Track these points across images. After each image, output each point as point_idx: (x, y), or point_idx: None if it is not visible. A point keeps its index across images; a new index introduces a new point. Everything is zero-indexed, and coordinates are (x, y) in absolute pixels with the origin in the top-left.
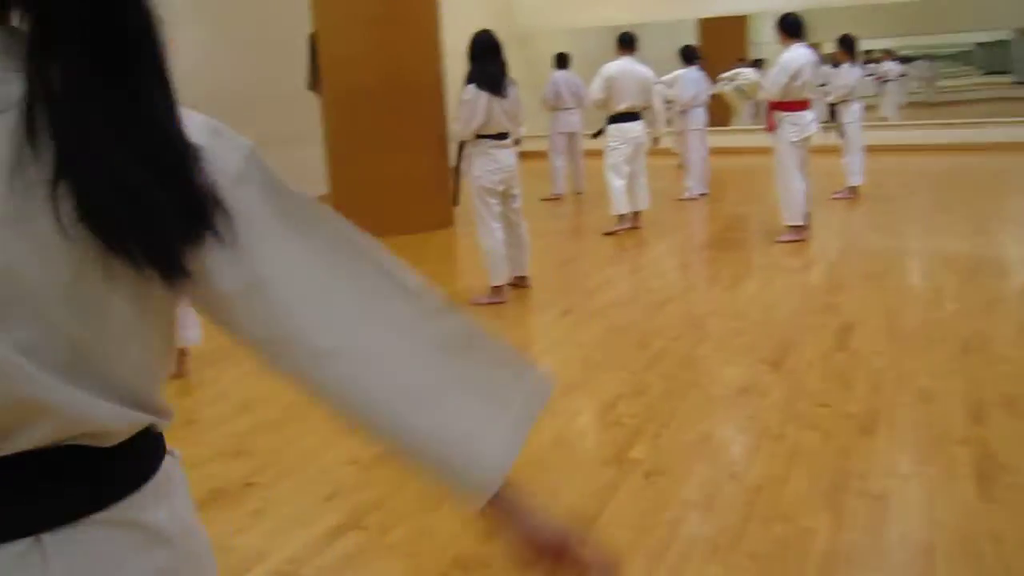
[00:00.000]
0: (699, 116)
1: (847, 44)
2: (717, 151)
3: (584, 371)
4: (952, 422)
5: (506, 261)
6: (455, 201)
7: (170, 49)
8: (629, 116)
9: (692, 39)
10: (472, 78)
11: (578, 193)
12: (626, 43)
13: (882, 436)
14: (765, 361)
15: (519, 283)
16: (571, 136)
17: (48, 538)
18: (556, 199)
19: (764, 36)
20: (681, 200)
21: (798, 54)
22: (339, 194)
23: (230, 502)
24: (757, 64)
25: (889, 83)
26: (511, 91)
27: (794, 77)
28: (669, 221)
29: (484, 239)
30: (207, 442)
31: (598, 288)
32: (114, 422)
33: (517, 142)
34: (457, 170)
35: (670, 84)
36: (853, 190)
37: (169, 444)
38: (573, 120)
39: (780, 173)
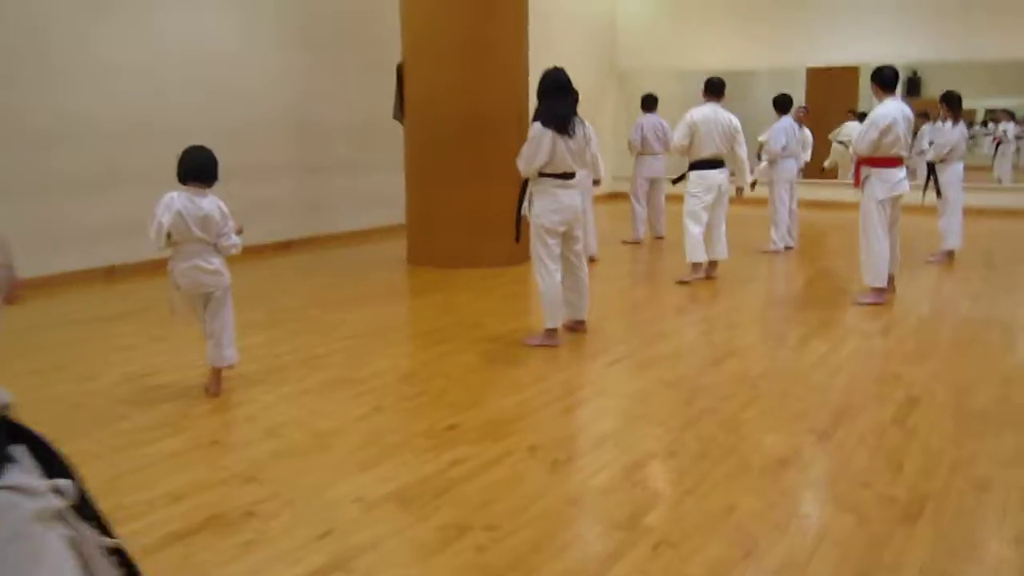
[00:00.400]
0: (790, 167)
1: (950, 101)
2: (815, 204)
3: (620, 424)
4: (1007, 517)
5: (563, 304)
6: (516, 238)
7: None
8: (712, 163)
9: (800, 89)
10: (538, 116)
11: (658, 238)
12: (713, 89)
13: (924, 526)
14: (813, 431)
15: (576, 327)
16: (654, 181)
17: None
18: (636, 243)
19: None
20: (765, 252)
21: (890, 108)
22: (414, 224)
23: (225, 530)
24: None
25: (1004, 144)
26: (579, 130)
27: (884, 133)
28: (747, 273)
29: (540, 280)
30: (223, 465)
31: (657, 338)
32: None
33: (597, 182)
34: (519, 208)
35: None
36: (949, 254)
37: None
38: (656, 166)
39: (864, 232)
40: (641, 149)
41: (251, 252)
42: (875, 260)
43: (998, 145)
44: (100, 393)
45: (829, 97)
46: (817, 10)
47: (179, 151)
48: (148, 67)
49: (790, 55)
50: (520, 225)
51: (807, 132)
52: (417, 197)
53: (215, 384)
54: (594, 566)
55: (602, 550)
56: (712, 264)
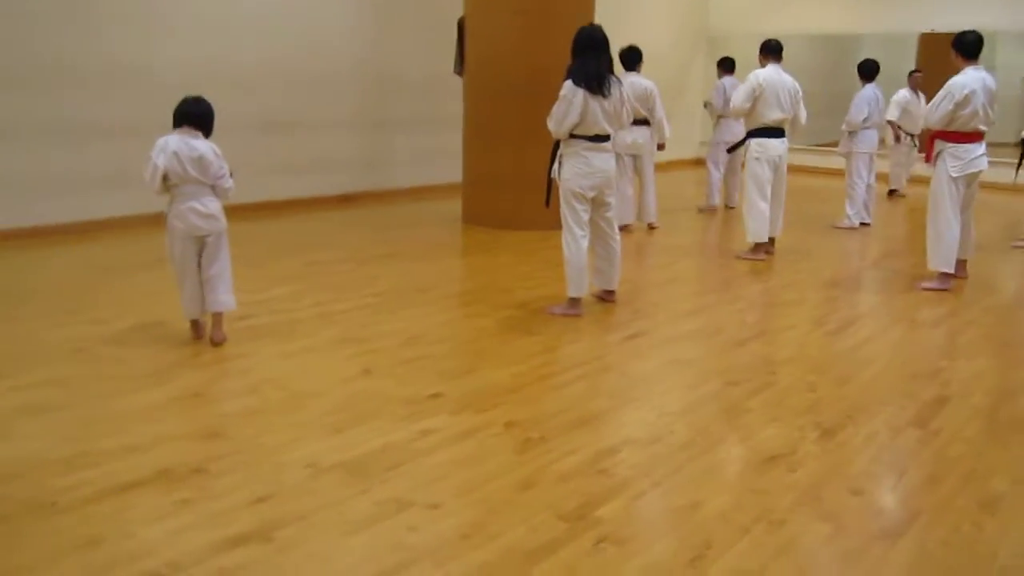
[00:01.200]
0: (870, 139)
1: None
2: (914, 179)
3: (611, 405)
4: (1008, 543)
5: (588, 272)
6: (546, 203)
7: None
8: (774, 131)
9: (911, 57)
10: (570, 74)
11: (730, 207)
12: (771, 51)
13: (905, 545)
14: (819, 426)
15: (606, 297)
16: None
17: None
18: (711, 211)
19: (993, 58)
20: (836, 228)
21: (969, 78)
22: (470, 182)
23: (168, 486)
24: None
25: None
26: (615, 90)
27: (961, 105)
28: (811, 249)
29: (566, 246)
30: (193, 418)
31: (687, 315)
32: None
33: (661, 146)
34: (549, 171)
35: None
36: None
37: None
38: (737, 130)
39: (932, 212)
40: (721, 111)
41: (309, 204)
42: (943, 243)
43: None
44: (105, 338)
45: (944, 66)
46: None
47: (244, 102)
48: (214, 17)
49: (901, 19)
50: (551, 189)
51: (922, 99)
52: (474, 155)
53: (217, 330)
54: (519, 559)
55: (536, 542)
56: (770, 240)
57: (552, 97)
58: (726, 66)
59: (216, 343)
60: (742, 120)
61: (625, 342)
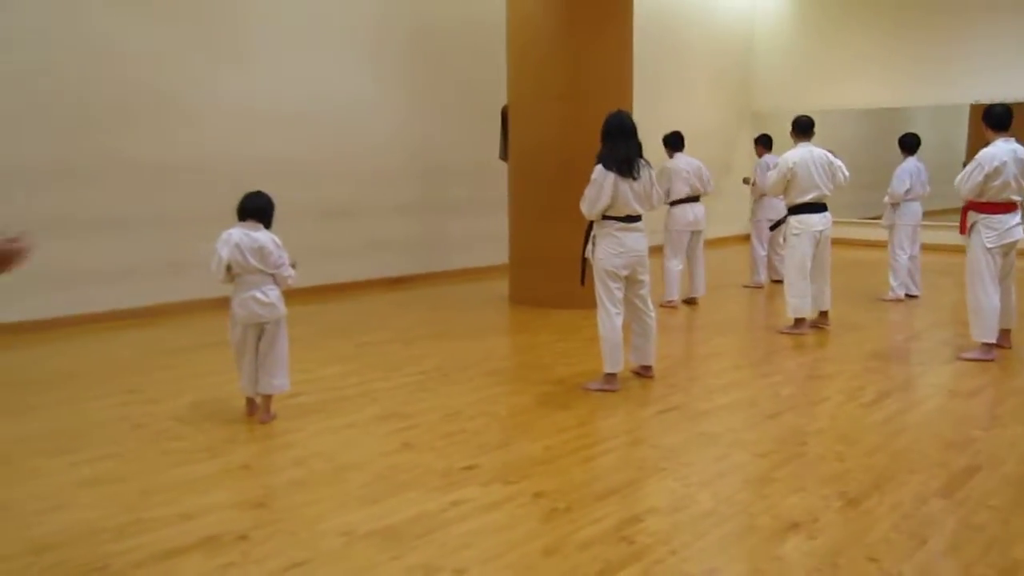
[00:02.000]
0: (913, 211)
1: None
2: (951, 249)
3: (639, 476)
4: None
5: (623, 349)
6: (581, 282)
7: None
8: (814, 207)
9: (963, 127)
10: (601, 159)
11: (776, 281)
12: (801, 129)
13: None
14: (843, 496)
15: (643, 372)
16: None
17: None
18: (757, 287)
19: None
20: (882, 300)
21: (999, 150)
22: (516, 263)
23: (214, 552)
24: None
25: None
26: (644, 172)
27: (991, 176)
28: (854, 322)
29: (600, 323)
30: (241, 489)
31: (723, 389)
32: None
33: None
34: (584, 251)
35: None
36: None
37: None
38: (779, 206)
39: (970, 283)
40: (763, 190)
41: (364, 286)
42: (983, 314)
43: None
44: (162, 415)
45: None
46: (984, 40)
47: (305, 194)
48: (281, 111)
49: (945, 92)
50: (584, 268)
51: None
52: (519, 236)
53: (265, 412)
54: None
55: None
56: (823, 315)
57: (587, 179)
58: (764, 142)
59: (263, 422)
60: (783, 197)
61: (658, 416)
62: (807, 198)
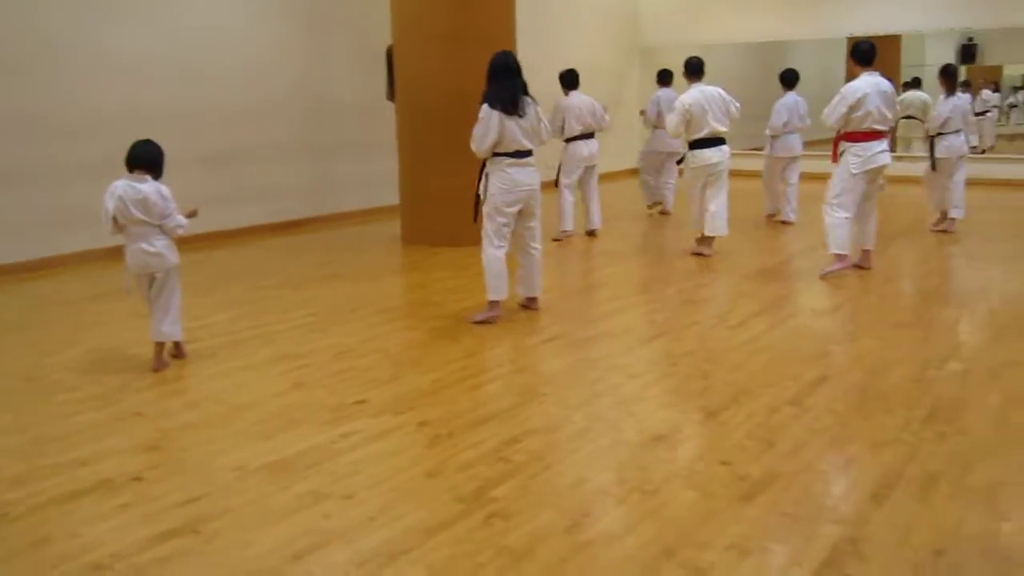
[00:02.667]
0: (789, 144)
1: (945, 74)
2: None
3: (518, 402)
4: (848, 500)
5: (508, 279)
6: (474, 218)
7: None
8: (711, 141)
9: (841, 59)
10: (486, 97)
11: (664, 214)
12: (692, 71)
13: (759, 505)
14: (705, 410)
15: (528, 304)
16: (669, 155)
17: None
18: (660, 212)
19: (923, 56)
20: (779, 222)
21: (862, 83)
22: (407, 203)
23: (109, 493)
24: (915, 84)
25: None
26: (530, 110)
27: (854, 107)
28: (734, 248)
29: (484, 254)
30: (137, 434)
31: (602, 317)
32: None
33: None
34: (477, 188)
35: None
36: (943, 221)
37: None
38: (674, 142)
39: (828, 203)
40: (656, 122)
41: (255, 232)
42: (835, 229)
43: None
44: (57, 367)
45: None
46: None
47: (189, 135)
48: (154, 54)
49: (827, 25)
50: (478, 204)
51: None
52: (408, 177)
53: (157, 359)
54: (417, 535)
55: (434, 520)
56: (708, 240)
57: (475, 117)
58: (663, 79)
59: (155, 369)
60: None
61: (541, 345)
62: (702, 134)
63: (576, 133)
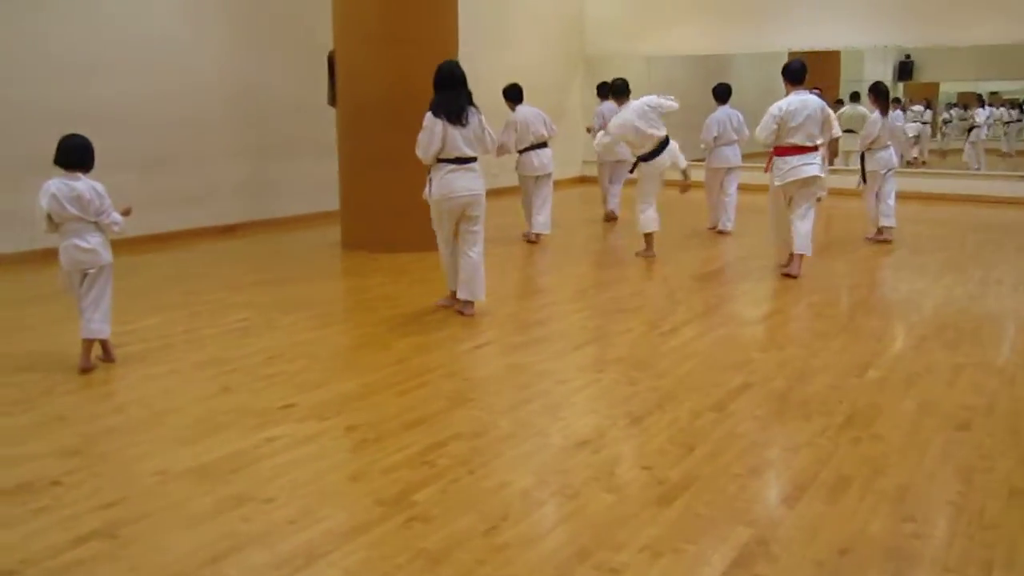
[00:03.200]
0: (725, 156)
1: (876, 92)
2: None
3: (445, 407)
4: (761, 503)
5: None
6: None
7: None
8: (655, 151)
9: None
10: (431, 107)
11: (612, 220)
12: (619, 91)
13: (676, 508)
14: (630, 415)
15: (463, 310)
16: (617, 164)
17: None
18: (610, 220)
19: (861, 72)
20: (717, 232)
21: (787, 101)
22: (347, 208)
23: (27, 497)
24: (854, 99)
25: (976, 130)
26: (473, 119)
27: (781, 124)
28: (671, 258)
29: (440, 252)
30: (59, 438)
31: (537, 323)
32: None
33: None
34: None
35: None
36: (879, 232)
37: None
38: (620, 151)
39: (769, 211)
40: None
41: (193, 235)
42: (775, 237)
43: (970, 130)
44: None
45: (808, 82)
46: None
47: (123, 138)
48: (91, 56)
49: (771, 39)
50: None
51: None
52: (349, 182)
53: (84, 358)
54: (336, 537)
55: (354, 523)
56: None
57: (420, 124)
58: (604, 92)
59: (83, 370)
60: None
61: (472, 351)
62: (647, 149)
63: (527, 144)
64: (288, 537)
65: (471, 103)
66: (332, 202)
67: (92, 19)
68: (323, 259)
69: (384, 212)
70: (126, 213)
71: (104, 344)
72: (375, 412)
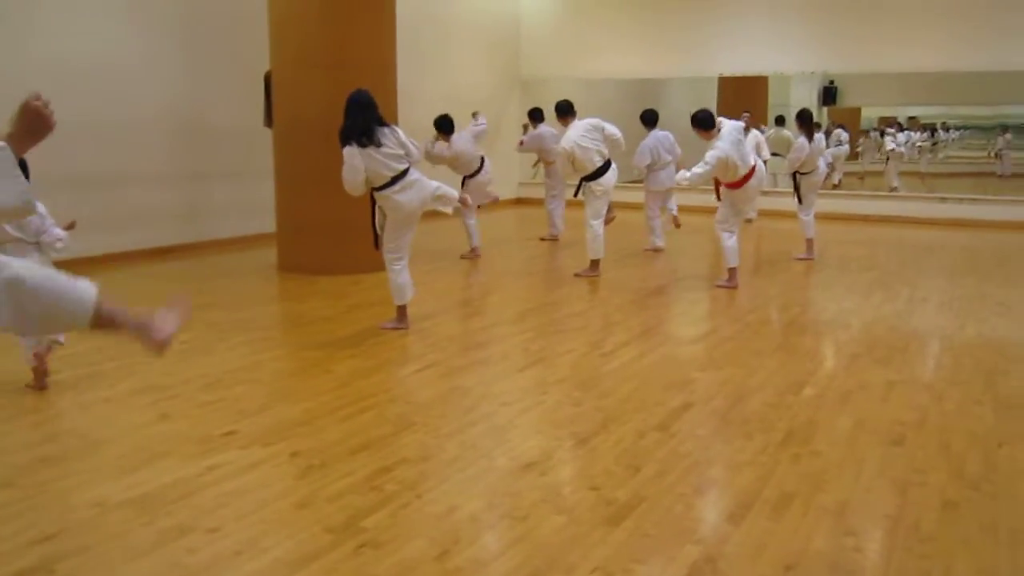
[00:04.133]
0: (660, 179)
1: (802, 119)
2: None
3: (389, 431)
4: (707, 521)
5: (411, 287)
6: (376, 245)
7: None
8: (601, 170)
9: (712, 97)
10: (341, 136)
11: (554, 239)
12: (564, 111)
13: (625, 528)
14: (576, 436)
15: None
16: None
17: None
18: (554, 239)
19: (788, 97)
20: (646, 250)
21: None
22: (284, 231)
23: None
24: (780, 123)
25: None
26: (389, 137)
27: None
28: (610, 278)
29: (389, 273)
30: None
31: (478, 345)
32: None
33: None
34: (373, 220)
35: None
36: (809, 245)
37: None
38: (552, 171)
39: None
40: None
41: (125, 258)
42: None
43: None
44: None
45: (738, 106)
46: (731, 19)
47: (56, 159)
48: (24, 77)
49: (703, 64)
50: (375, 235)
51: (758, 134)
52: (285, 204)
53: (38, 378)
54: (284, 568)
55: (302, 552)
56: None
57: None
58: (537, 116)
59: (39, 388)
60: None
61: (415, 374)
62: (597, 164)
63: (472, 171)
64: (235, 568)
65: (383, 123)
66: (267, 224)
67: (25, 40)
68: (259, 282)
69: (320, 234)
70: (70, 227)
71: (37, 370)
72: (319, 438)
